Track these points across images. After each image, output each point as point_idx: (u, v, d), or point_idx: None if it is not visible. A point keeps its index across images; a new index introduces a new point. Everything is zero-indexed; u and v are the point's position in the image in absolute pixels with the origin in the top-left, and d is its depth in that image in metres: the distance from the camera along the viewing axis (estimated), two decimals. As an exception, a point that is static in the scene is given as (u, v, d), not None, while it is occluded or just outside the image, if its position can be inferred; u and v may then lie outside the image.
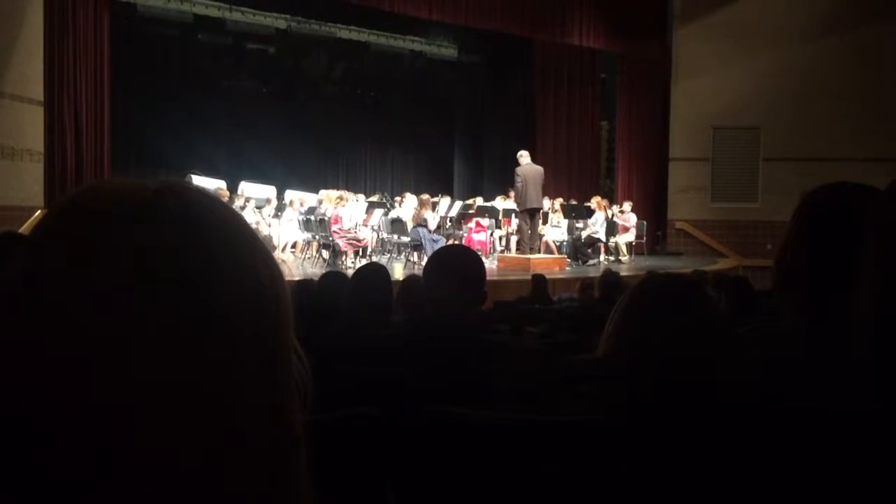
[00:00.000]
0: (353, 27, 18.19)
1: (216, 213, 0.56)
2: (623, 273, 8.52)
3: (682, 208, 16.20)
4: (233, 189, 13.55)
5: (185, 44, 16.71)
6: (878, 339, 0.88)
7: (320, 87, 18.88)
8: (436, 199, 12.65)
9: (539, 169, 11.32)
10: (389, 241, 12.27)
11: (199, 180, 11.61)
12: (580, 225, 13.35)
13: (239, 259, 0.55)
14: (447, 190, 16.95)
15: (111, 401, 0.49)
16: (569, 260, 12.42)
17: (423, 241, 11.04)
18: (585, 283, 7.52)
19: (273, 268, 0.58)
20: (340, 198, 11.74)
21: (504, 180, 15.28)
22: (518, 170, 11.20)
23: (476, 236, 12.84)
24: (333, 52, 18.58)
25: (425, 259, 8.93)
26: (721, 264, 13.37)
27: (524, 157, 11.38)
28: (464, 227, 12.86)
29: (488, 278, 2.50)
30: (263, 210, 12.53)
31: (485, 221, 13.02)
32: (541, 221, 12.27)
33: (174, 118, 15.48)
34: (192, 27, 16.58)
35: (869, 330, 0.94)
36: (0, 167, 10.25)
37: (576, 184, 16.66)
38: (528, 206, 11.16)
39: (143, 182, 0.56)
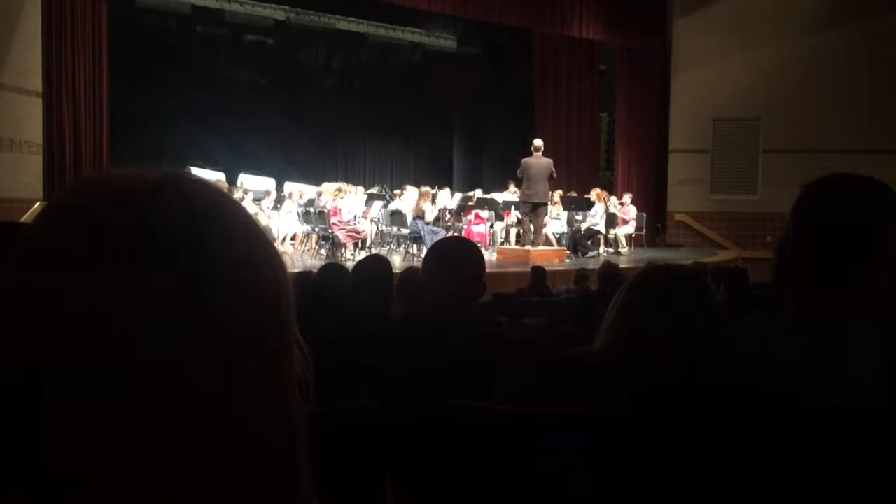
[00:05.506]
0: (351, 18, 18.16)
1: (218, 206, 0.55)
2: (622, 265, 8.51)
3: (682, 200, 16.19)
4: (232, 181, 13.55)
5: (184, 35, 16.67)
6: (890, 334, 0.88)
7: (319, 78, 18.86)
8: (435, 191, 12.63)
9: (545, 162, 10.87)
10: (389, 233, 12.27)
11: (198, 172, 11.59)
12: (580, 217, 13.35)
13: (241, 252, 0.54)
14: (446, 182, 16.95)
15: (109, 399, 0.49)
16: (568, 252, 12.41)
17: (423, 234, 11.02)
18: (580, 275, 7.51)
19: (275, 261, 0.57)
20: (339, 190, 11.72)
21: (503, 173, 15.27)
22: (523, 160, 10.96)
23: (475, 228, 12.84)
24: (332, 44, 18.56)
25: (424, 251, 8.92)
26: (720, 256, 13.37)
27: (535, 147, 10.94)
28: (463, 219, 12.85)
29: (487, 270, 2.50)
30: (262, 202, 12.52)
31: (484, 213, 13.02)
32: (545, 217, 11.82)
33: (173, 110, 15.46)
34: (191, 18, 16.56)
35: (879, 325, 0.93)
36: (-1, 159, 10.26)
37: (575, 176, 16.64)
38: (531, 199, 11.00)
39: (143, 173, 0.55)
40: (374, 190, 13.81)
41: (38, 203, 10.47)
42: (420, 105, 19.37)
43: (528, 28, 15.92)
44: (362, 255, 10.15)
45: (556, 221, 13.29)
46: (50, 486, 0.49)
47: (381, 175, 18.94)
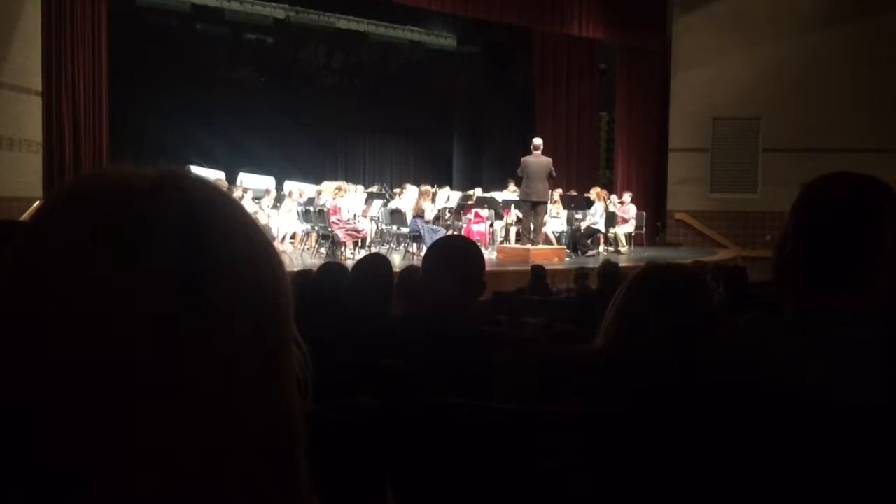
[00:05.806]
0: (351, 17, 18.14)
1: (217, 205, 0.55)
2: (622, 264, 8.52)
3: (682, 199, 16.19)
4: (231, 180, 13.54)
5: (184, 34, 16.67)
6: (890, 334, 0.88)
7: (319, 77, 18.85)
8: (435, 190, 12.63)
9: (543, 160, 10.89)
10: (388, 231, 12.27)
11: (197, 171, 11.57)
12: (579, 216, 13.35)
13: (240, 252, 0.54)
14: (446, 181, 16.95)
15: (109, 399, 0.48)
16: (568, 251, 12.41)
17: (423, 232, 11.02)
18: (580, 273, 7.51)
19: (275, 260, 0.57)
20: (339, 188, 11.72)
21: (503, 172, 15.27)
22: (522, 159, 10.99)
23: (475, 227, 12.84)
24: (332, 43, 18.55)
25: (424, 250, 8.90)
26: (720, 255, 13.36)
27: (535, 146, 10.98)
28: (463, 217, 12.86)
29: (487, 269, 2.50)
30: (262, 201, 12.52)
31: (484, 212, 13.02)
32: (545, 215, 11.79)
33: (172, 109, 15.44)
34: (191, 17, 16.55)
35: (880, 325, 0.93)
36: (-2, 158, 10.25)
37: (575, 174, 16.63)
38: (529, 198, 11.03)
39: (142, 171, 0.54)
40: (374, 188, 13.80)
41: (37, 202, 10.46)
42: (420, 104, 19.34)
43: (528, 27, 15.92)
44: (362, 253, 10.14)
45: (555, 220, 13.29)
46: (50, 486, 0.48)
47: (380, 174, 18.92)
